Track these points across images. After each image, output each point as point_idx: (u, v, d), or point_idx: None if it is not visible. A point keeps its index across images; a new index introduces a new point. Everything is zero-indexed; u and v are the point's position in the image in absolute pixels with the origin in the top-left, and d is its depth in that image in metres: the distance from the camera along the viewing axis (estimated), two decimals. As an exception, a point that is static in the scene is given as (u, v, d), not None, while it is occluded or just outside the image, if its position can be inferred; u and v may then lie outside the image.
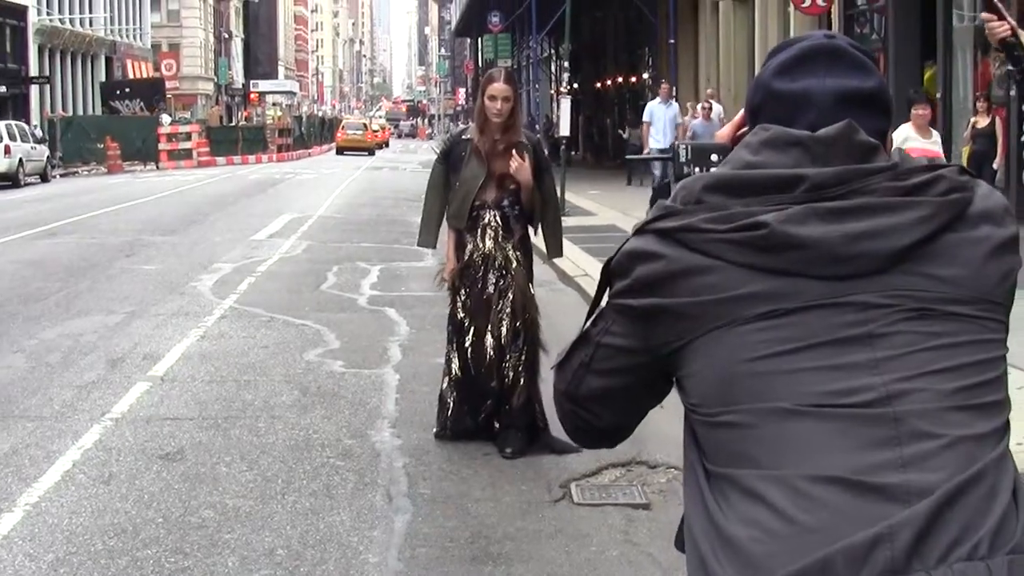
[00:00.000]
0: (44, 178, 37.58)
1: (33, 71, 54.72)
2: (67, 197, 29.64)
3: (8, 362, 9.52)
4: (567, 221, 19.07)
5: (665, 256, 1.83)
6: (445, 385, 7.25)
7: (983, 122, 15.75)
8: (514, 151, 7.00)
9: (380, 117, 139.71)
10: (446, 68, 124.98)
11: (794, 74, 1.92)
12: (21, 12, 53.82)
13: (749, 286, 1.79)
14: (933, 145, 12.10)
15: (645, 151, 19.69)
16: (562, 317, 10.66)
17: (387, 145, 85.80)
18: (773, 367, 1.77)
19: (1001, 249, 1.84)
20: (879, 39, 21.16)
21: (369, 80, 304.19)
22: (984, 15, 3.11)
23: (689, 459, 1.90)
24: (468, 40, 79.96)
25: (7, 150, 34.23)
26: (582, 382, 2.03)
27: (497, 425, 7.14)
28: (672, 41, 32.04)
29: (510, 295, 7.03)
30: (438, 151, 7.66)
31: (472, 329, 7.08)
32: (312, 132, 71.06)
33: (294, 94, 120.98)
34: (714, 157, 2.15)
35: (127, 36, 71.62)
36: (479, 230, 7.04)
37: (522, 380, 7.03)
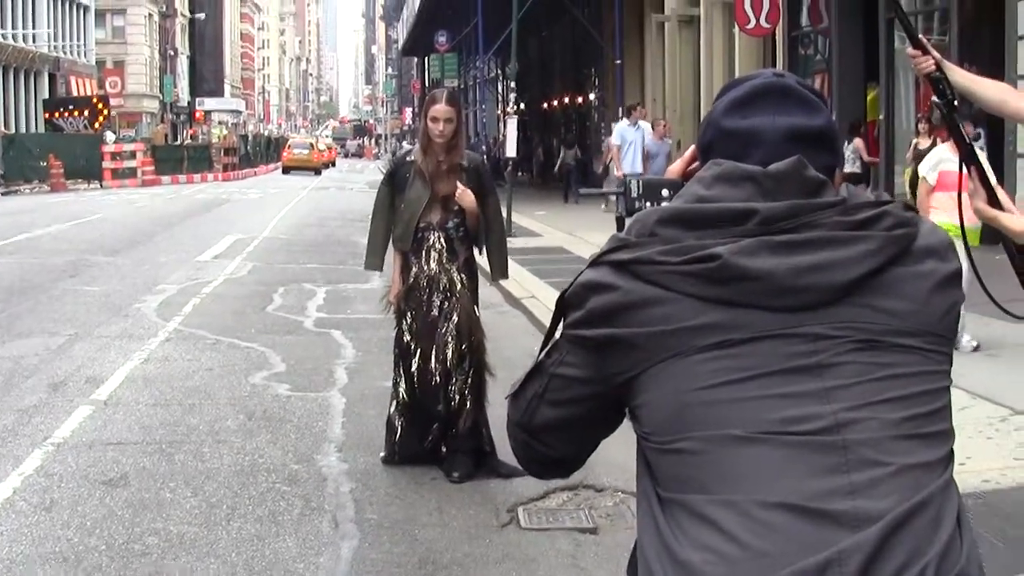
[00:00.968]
0: (-15, 197, 37.18)
1: (-26, 87, 54.20)
2: (8, 216, 29.31)
3: (-52, 386, 9.39)
4: (514, 242, 19.11)
5: (619, 287, 1.86)
6: (392, 409, 7.20)
7: (925, 143, 15.91)
8: (458, 175, 7.00)
9: (327, 136, 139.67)
10: (393, 87, 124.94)
11: (744, 112, 1.96)
12: (-38, 29, 53.34)
13: (701, 317, 1.82)
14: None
15: (618, 174, 19.48)
16: (509, 340, 10.68)
17: (334, 165, 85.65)
18: (724, 395, 1.80)
19: (945, 283, 1.89)
20: (823, 60, 21.40)
21: (316, 99, 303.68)
22: (909, 51, 3.18)
23: (642, 486, 1.92)
24: (415, 59, 79.98)
25: (-52, 168, 33.89)
26: (536, 413, 2.06)
27: (444, 449, 7.10)
28: (619, 61, 32.20)
29: (455, 317, 6.98)
30: (384, 172, 7.64)
31: (418, 352, 7.03)
32: (258, 151, 70.78)
33: (240, 112, 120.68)
34: (665, 192, 2.19)
35: (71, 52, 71.07)
36: (424, 252, 7.01)
37: (468, 404, 6.98)
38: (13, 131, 54.36)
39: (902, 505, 1.75)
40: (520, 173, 36.21)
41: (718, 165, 1.92)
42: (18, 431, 7.98)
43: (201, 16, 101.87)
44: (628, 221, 2.00)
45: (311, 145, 75.01)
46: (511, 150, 23.57)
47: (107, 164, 47.79)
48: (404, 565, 5.61)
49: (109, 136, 52.06)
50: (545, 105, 48.94)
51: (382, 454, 7.24)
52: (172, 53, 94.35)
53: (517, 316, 12.68)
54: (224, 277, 16.55)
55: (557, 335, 2.02)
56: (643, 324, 1.84)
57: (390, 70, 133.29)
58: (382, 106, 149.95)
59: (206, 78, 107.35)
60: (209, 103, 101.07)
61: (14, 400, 8.86)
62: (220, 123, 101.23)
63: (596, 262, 1.93)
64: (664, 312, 1.83)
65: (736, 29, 22.39)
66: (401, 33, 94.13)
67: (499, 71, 52.06)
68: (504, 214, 19.88)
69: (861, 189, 1.97)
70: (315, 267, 17.96)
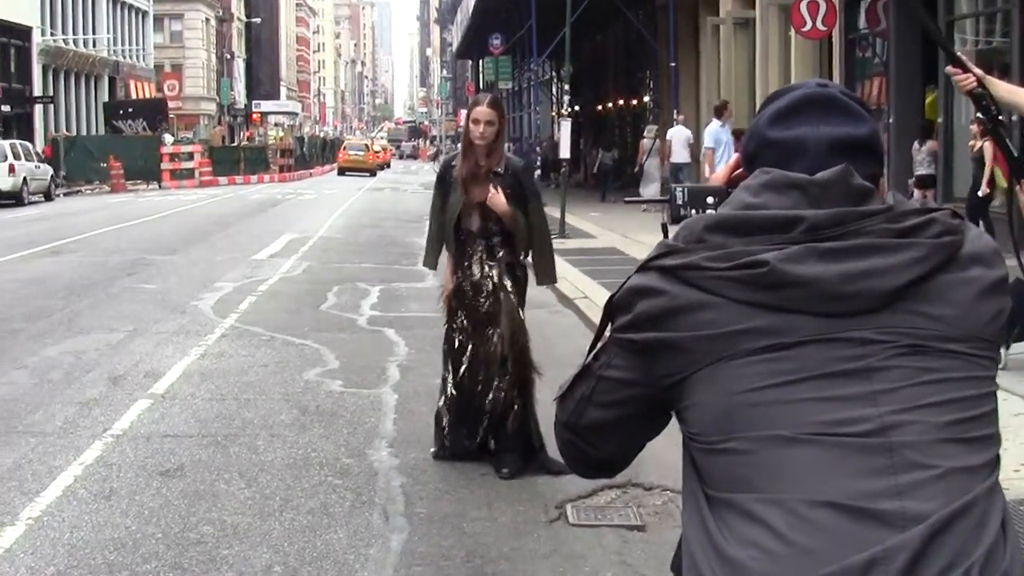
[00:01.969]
0: (48, 197, 37.68)
1: (37, 91, 54.86)
2: (70, 216, 29.74)
3: (11, 378, 9.59)
4: (567, 243, 19.18)
5: (667, 292, 1.90)
6: (441, 404, 7.29)
7: (977, 146, 15.80)
8: (494, 181, 6.97)
9: (382, 138, 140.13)
10: (447, 90, 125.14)
11: (788, 122, 2.00)
12: (26, 32, 53.99)
13: (748, 322, 1.85)
14: None
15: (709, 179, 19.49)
16: (561, 339, 10.73)
17: (388, 166, 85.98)
18: (772, 397, 1.84)
19: (991, 290, 1.91)
20: (881, 63, 21.23)
21: (371, 101, 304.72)
22: (949, 69, 3.21)
23: (689, 486, 1.96)
24: (469, 62, 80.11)
25: (11, 169, 34.37)
26: (583, 414, 2.09)
27: (493, 446, 7.17)
28: (673, 64, 32.16)
29: (500, 320, 7.03)
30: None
31: (467, 350, 7.12)
32: (314, 152, 71.19)
33: (296, 114, 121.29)
34: (710, 200, 2.23)
35: (130, 57, 71.79)
36: (466, 257, 7.10)
37: (515, 403, 7.05)
38: (75, 133, 55.04)
39: (948, 507, 1.77)
40: (574, 174, 36.24)
41: (765, 173, 1.95)
42: (79, 423, 8.16)
43: (257, 20, 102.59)
44: (672, 229, 2.06)
45: (366, 147, 75.37)
46: (565, 152, 23.59)
47: (165, 165, 48.37)
48: (452, 558, 5.69)
49: (167, 138, 52.60)
50: (599, 107, 48.90)
51: (432, 449, 7.32)
52: (229, 56, 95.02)
53: (569, 316, 12.72)
54: (279, 276, 16.73)
55: (605, 338, 2.06)
56: (691, 328, 1.88)
57: (444, 72, 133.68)
58: (437, 108, 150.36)
59: (262, 81, 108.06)
60: (265, 105, 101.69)
61: (75, 393, 9.04)
62: (276, 125, 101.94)
63: (644, 267, 1.96)
64: (712, 316, 1.87)
65: (792, 32, 22.30)
66: (455, 36, 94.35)
67: (553, 73, 52.12)
68: (558, 216, 20.01)
69: (915, 197, 1.99)
70: (369, 267, 18.11)
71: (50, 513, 6.24)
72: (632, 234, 20.45)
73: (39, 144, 46.40)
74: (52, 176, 39.04)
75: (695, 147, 27.01)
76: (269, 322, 12.44)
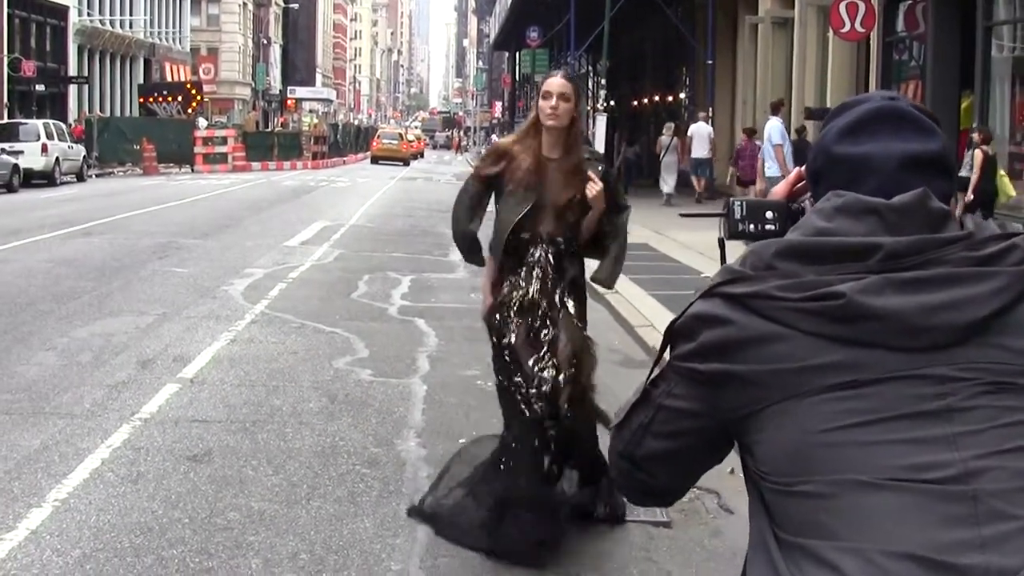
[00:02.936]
0: (80, 177, 37.85)
1: (72, 71, 55.17)
2: (102, 197, 29.87)
3: (40, 359, 9.61)
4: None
5: (734, 322, 1.83)
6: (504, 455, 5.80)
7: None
8: (588, 172, 5.61)
9: (416, 128, 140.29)
10: (483, 81, 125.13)
11: (856, 138, 1.92)
12: (62, 12, 54.29)
13: (824, 356, 1.77)
14: None
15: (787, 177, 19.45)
16: (591, 334, 10.68)
17: (422, 156, 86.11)
18: (849, 438, 1.75)
19: None
20: (917, 66, 21.12)
21: (406, 90, 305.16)
22: None
23: (757, 524, 1.89)
24: (506, 54, 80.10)
25: (44, 148, 34.53)
26: (641, 443, 2.01)
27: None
28: (710, 62, 32.07)
29: (559, 349, 5.60)
30: (474, 164, 6.43)
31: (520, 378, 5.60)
32: (347, 140, 71.28)
33: (331, 102, 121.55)
34: (768, 214, 2.15)
35: (166, 39, 72.07)
36: (524, 268, 5.67)
37: (578, 454, 5.84)
38: (108, 115, 55.26)
39: None
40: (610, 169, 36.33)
41: (839, 197, 1.86)
42: (107, 405, 8.17)
43: (295, 6, 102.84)
44: (731, 246, 1.98)
45: (400, 136, 75.41)
46: (600, 146, 23.57)
47: (198, 149, 48.56)
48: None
49: (201, 122, 52.88)
50: (635, 103, 48.81)
51: (462, 440, 7.12)
52: (265, 42, 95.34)
53: (599, 311, 12.66)
54: (311, 263, 16.75)
55: (664, 363, 1.98)
56: (762, 361, 1.80)
57: (480, 64, 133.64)
58: (472, 99, 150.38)
59: (298, 67, 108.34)
60: (300, 91, 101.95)
61: (104, 376, 9.06)
62: (311, 111, 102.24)
63: (709, 294, 1.88)
64: (784, 350, 1.79)
65: (830, 33, 22.19)
66: (493, 27, 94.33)
67: (590, 68, 52.01)
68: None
69: (987, 222, 1.90)
70: (401, 256, 18.11)
71: (76, 495, 6.25)
72: (665, 231, 20.38)
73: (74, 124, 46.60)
74: (84, 157, 39.18)
75: (719, 143, 27.34)
76: (299, 309, 12.44)
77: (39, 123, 36.18)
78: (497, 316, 5.69)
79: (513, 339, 5.62)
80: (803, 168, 2.09)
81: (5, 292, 12.95)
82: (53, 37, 53.99)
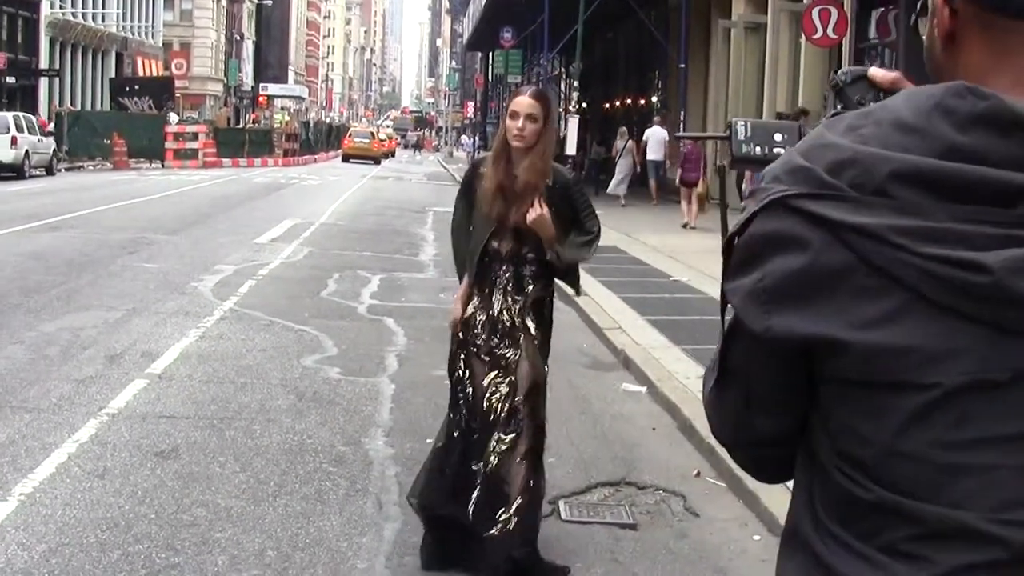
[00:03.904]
0: (49, 171, 37.65)
1: (43, 63, 54.96)
2: (72, 191, 29.72)
3: (7, 353, 9.57)
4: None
5: (812, 245, 1.36)
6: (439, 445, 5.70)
7: None
8: (536, 198, 5.33)
9: (388, 127, 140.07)
10: (456, 81, 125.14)
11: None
12: (34, 4, 54.07)
13: (950, 340, 1.33)
14: None
15: None
16: (558, 335, 10.68)
17: (393, 155, 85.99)
18: (966, 461, 1.35)
19: None
20: (888, 74, 21.24)
21: (378, 89, 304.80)
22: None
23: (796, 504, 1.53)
24: (479, 54, 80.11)
25: (14, 141, 34.33)
26: (751, 429, 1.56)
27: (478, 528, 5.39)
28: (683, 66, 32.17)
29: (515, 368, 5.44)
30: (460, 180, 6.11)
31: (469, 389, 5.51)
32: (319, 138, 71.20)
33: (303, 99, 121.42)
34: (778, 136, 1.76)
35: (138, 33, 71.81)
36: (486, 286, 5.53)
37: (529, 480, 5.35)
38: (79, 108, 55.02)
39: None
40: (580, 172, 36.45)
41: (977, 97, 1.33)
42: (75, 400, 8.15)
43: (268, 2, 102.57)
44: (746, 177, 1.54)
45: (372, 135, 75.38)
46: (571, 148, 23.64)
47: (169, 144, 48.41)
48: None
49: (172, 117, 52.59)
50: (607, 105, 48.92)
51: (429, 440, 7.09)
52: (238, 38, 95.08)
53: (568, 312, 12.67)
54: (280, 260, 16.72)
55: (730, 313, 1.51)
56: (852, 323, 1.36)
57: (454, 64, 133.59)
58: (444, 99, 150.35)
59: (271, 64, 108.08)
60: (273, 88, 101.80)
61: (72, 370, 9.03)
62: (283, 109, 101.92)
63: (776, 202, 1.39)
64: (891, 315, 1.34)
65: (803, 39, 22.30)
66: (467, 27, 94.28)
67: (563, 69, 52.08)
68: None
69: None
70: (371, 255, 18.10)
71: (43, 490, 6.23)
72: (634, 234, 20.45)
73: (44, 117, 46.37)
74: (54, 151, 38.98)
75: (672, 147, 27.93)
76: (269, 306, 12.43)
77: (9, 115, 35.94)
78: (460, 331, 5.56)
79: (468, 359, 5.52)
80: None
81: (-28, 285, 12.88)
82: (25, 29, 53.75)
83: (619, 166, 30.00)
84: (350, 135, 73.62)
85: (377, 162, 66.65)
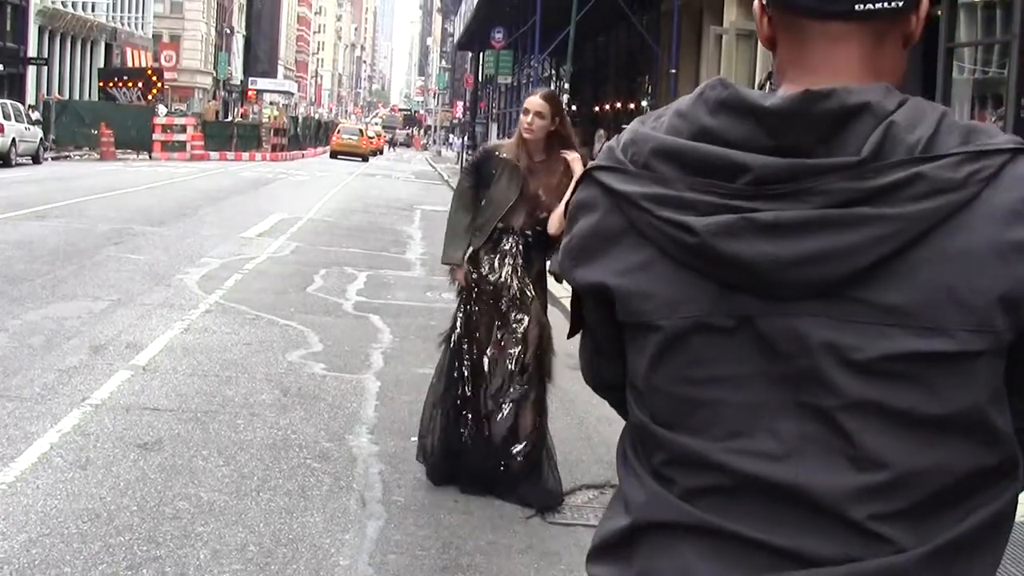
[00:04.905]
0: (36, 160, 37.49)
1: (32, 52, 54.76)
2: (58, 181, 29.61)
3: (-9, 341, 9.53)
4: (556, 241, 19.14)
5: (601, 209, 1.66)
6: (433, 401, 6.71)
7: None
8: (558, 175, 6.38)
9: (376, 124, 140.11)
10: (446, 80, 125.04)
11: None
12: (24, -8, 53.88)
13: (681, 290, 1.58)
14: None
15: None
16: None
17: (381, 152, 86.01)
18: (698, 395, 1.60)
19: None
20: (878, 84, 21.29)
21: (368, 86, 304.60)
22: None
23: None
24: (470, 54, 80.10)
25: (1, 129, 34.18)
26: (600, 373, 1.85)
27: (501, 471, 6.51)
28: (673, 71, 32.20)
29: (524, 326, 6.45)
30: (467, 163, 7.09)
31: (472, 350, 6.54)
32: (307, 134, 71.15)
33: (292, 94, 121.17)
34: None
35: (128, 24, 71.62)
36: (497, 255, 6.47)
37: (535, 423, 6.48)
38: (67, 98, 54.86)
39: None
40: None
41: (726, 88, 1.62)
42: (58, 390, 8.10)
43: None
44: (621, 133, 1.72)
45: (360, 131, 75.34)
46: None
47: (157, 136, 48.26)
48: (428, 548, 5.67)
49: (161, 109, 52.57)
50: (596, 108, 48.94)
51: (413, 438, 7.20)
52: (228, 31, 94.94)
53: (554, 314, 12.70)
54: (267, 255, 16.68)
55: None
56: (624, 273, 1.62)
57: (444, 63, 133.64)
58: (434, 98, 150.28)
59: (260, 58, 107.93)
60: (262, 83, 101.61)
61: (55, 360, 8.99)
62: (271, 103, 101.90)
63: (586, 174, 1.70)
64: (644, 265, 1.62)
65: (793, 46, 22.34)
66: (457, 27, 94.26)
67: (553, 71, 52.13)
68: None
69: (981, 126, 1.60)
70: (357, 251, 18.07)
71: (24, 479, 6.19)
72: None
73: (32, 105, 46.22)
74: (41, 139, 38.84)
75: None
76: (254, 301, 12.40)
77: (-4, 103, 35.83)
78: (474, 289, 6.50)
79: (473, 321, 6.52)
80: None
81: (-43, 272, 12.82)
82: (14, 17, 53.55)
83: None
84: (338, 131, 73.56)
85: (365, 159, 66.61)
